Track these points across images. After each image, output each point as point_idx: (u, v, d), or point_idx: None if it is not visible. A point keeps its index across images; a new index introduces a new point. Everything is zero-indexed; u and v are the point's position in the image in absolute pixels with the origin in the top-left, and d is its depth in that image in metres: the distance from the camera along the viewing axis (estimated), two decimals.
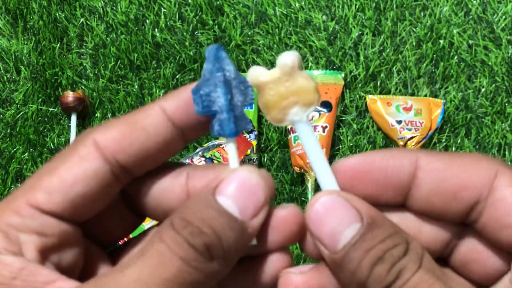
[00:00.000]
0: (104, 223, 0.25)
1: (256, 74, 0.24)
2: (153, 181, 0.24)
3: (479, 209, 0.22)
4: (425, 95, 0.85)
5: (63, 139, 0.82)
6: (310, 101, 0.24)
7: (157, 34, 0.87)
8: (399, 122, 0.82)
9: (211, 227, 0.21)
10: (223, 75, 0.24)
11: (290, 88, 0.24)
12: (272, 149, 0.82)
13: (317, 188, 0.80)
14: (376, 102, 0.83)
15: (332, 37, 0.87)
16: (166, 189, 0.24)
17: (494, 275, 0.23)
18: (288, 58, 0.23)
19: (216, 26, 0.87)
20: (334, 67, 0.86)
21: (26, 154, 0.81)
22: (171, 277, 0.20)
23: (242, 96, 0.24)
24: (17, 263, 0.21)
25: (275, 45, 0.86)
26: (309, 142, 0.24)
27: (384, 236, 0.21)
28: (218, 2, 0.89)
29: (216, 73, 0.24)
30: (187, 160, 0.78)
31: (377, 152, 0.24)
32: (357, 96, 0.85)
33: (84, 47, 0.87)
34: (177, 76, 0.85)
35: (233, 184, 0.22)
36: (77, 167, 0.22)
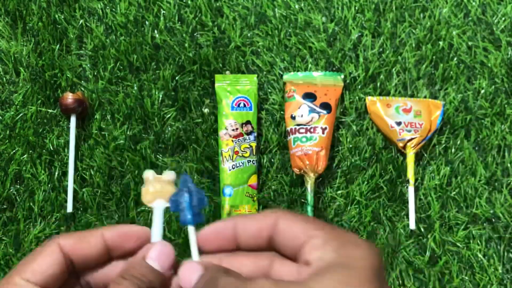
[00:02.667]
0: None
1: (148, 174, 0.48)
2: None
3: (272, 240, 0.40)
4: (425, 97, 0.85)
5: (62, 140, 0.82)
6: (166, 199, 0.46)
7: (157, 35, 0.87)
8: (399, 123, 0.82)
9: (148, 279, 0.39)
10: (186, 189, 0.45)
11: (162, 188, 0.47)
12: (271, 151, 0.81)
13: (316, 189, 0.80)
14: (375, 104, 0.83)
15: (331, 39, 0.87)
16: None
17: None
18: (167, 175, 0.47)
19: (216, 28, 0.87)
20: (334, 69, 0.86)
21: (25, 155, 0.81)
22: None
23: (197, 200, 0.45)
24: None
25: (274, 47, 0.86)
26: (158, 222, 0.45)
27: (213, 274, 0.38)
28: (218, 4, 0.88)
29: (183, 189, 0.45)
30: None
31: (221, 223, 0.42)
32: (357, 97, 0.85)
33: (83, 48, 0.87)
34: (177, 78, 0.85)
35: (156, 252, 0.40)
36: (48, 257, 0.39)
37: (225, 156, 0.77)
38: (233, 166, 0.77)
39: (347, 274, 0.36)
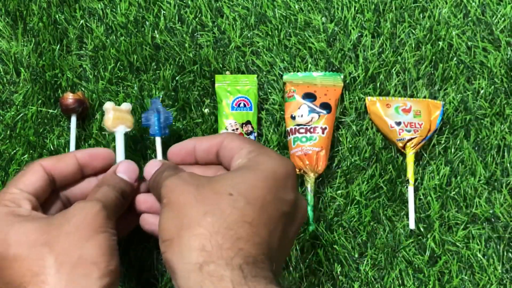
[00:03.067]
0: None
1: (107, 105, 0.71)
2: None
3: (219, 155, 0.53)
4: (424, 97, 0.85)
5: (63, 140, 0.82)
6: (129, 125, 0.68)
7: (157, 36, 0.87)
8: (398, 123, 0.82)
9: (119, 186, 0.54)
10: (155, 108, 0.68)
11: (121, 116, 0.69)
12: None
13: (316, 189, 0.81)
14: (375, 104, 0.83)
15: (331, 39, 0.87)
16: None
17: None
18: (125, 105, 0.73)
19: (216, 28, 0.87)
20: (334, 69, 0.86)
21: (26, 155, 0.81)
22: (114, 205, 0.53)
23: (164, 118, 0.68)
24: (24, 211, 0.51)
25: (274, 47, 0.87)
26: (121, 145, 0.64)
27: (164, 168, 0.54)
28: (218, 4, 0.89)
29: (153, 108, 0.68)
30: None
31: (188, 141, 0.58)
32: (357, 97, 0.85)
33: (84, 49, 0.87)
34: (177, 78, 0.85)
35: (123, 167, 0.55)
36: (35, 174, 0.53)
37: None
38: None
39: (248, 174, 0.45)
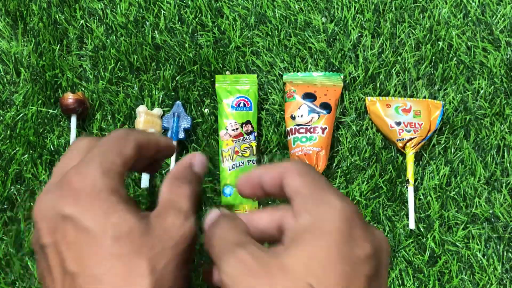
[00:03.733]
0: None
1: (140, 108, 0.77)
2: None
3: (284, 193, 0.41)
4: (424, 97, 0.85)
5: (63, 140, 0.82)
6: (158, 129, 0.74)
7: (157, 36, 0.87)
8: (398, 123, 0.82)
9: (192, 178, 0.44)
10: (175, 112, 0.77)
11: (152, 120, 0.76)
12: (271, 151, 0.82)
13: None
14: (375, 104, 0.83)
15: (331, 39, 0.87)
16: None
17: None
18: (156, 111, 0.80)
19: (216, 28, 0.87)
20: (334, 69, 0.86)
21: (26, 156, 0.81)
22: (192, 195, 0.42)
23: (182, 122, 0.76)
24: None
25: (274, 47, 0.87)
26: None
27: (226, 218, 0.41)
28: (218, 4, 0.89)
29: (174, 112, 0.76)
30: None
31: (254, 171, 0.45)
32: (356, 97, 0.85)
33: (84, 49, 0.87)
34: (177, 78, 0.85)
35: (198, 160, 0.45)
36: (132, 150, 0.40)
37: (225, 156, 0.77)
38: (233, 166, 0.77)
39: (318, 246, 0.36)
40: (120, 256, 0.34)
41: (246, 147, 0.79)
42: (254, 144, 0.79)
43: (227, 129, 0.79)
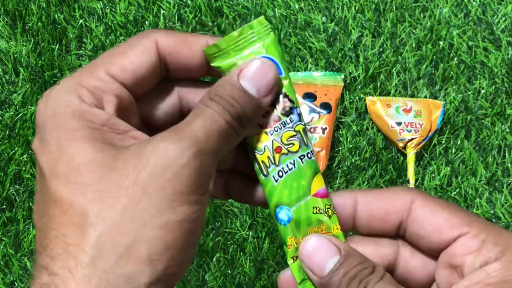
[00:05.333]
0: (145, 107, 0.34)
1: None
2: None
3: (404, 227, 0.31)
4: (425, 97, 0.85)
5: None
6: None
7: None
8: (399, 123, 0.82)
9: (239, 103, 0.30)
10: None
11: None
12: None
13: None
14: (375, 104, 0.83)
15: (331, 39, 0.87)
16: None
17: (428, 280, 0.32)
18: None
19: (216, 28, 0.87)
20: (334, 69, 0.86)
21: (25, 156, 0.81)
22: (221, 132, 0.29)
23: None
24: (104, 115, 0.29)
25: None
26: None
27: (356, 263, 0.30)
28: (218, 4, 0.88)
29: None
30: None
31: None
32: (357, 97, 0.85)
33: (83, 48, 0.87)
34: None
35: (252, 70, 0.31)
36: (142, 55, 0.30)
37: (262, 162, 0.40)
38: (280, 173, 0.41)
39: None
40: (65, 201, 0.27)
41: (292, 137, 0.41)
42: (301, 127, 0.41)
43: None
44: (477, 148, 0.83)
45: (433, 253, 0.31)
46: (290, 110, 0.38)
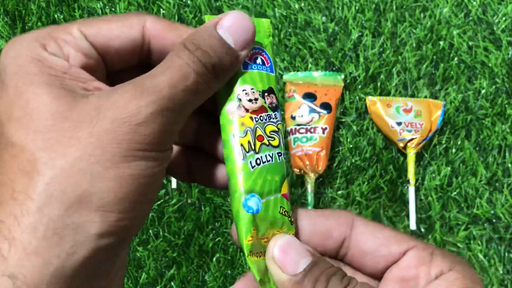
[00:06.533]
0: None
1: None
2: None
3: (347, 244, 0.31)
4: (425, 97, 0.85)
5: None
6: None
7: None
8: (399, 123, 0.81)
9: (215, 52, 0.29)
10: None
11: None
12: None
13: (317, 190, 0.80)
14: (376, 104, 0.83)
15: (331, 39, 0.87)
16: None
17: None
18: None
19: None
20: (334, 69, 0.86)
21: None
22: (189, 86, 0.28)
23: None
24: (65, 64, 0.28)
25: (274, 47, 0.86)
26: None
27: (328, 266, 0.30)
28: (218, 4, 0.88)
29: None
30: None
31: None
32: (357, 97, 0.84)
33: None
34: None
35: (230, 21, 0.30)
36: (124, 27, 0.29)
37: (242, 145, 0.38)
38: (258, 161, 0.39)
39: None
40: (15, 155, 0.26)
41: (274, 132, 0.40)
42: (280, 126, 0.41)
43: (241, 100, 0.40)
44: (477, 148, 0.83)
45: (378, 271, 0.31)
46: (276, 108, 0.38)
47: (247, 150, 0.37)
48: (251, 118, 0.37)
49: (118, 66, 0.31)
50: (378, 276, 0.31)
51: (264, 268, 0.33)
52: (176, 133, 0.28)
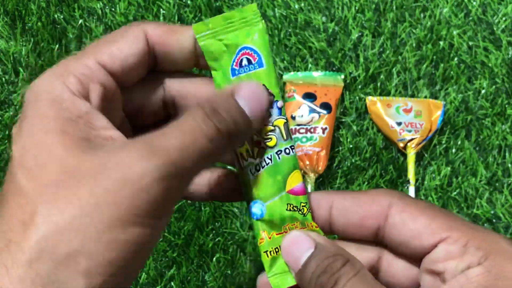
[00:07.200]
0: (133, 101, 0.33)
1: None
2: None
3: (382, 232, 0.31)
4: (425, 97, 0.85)
5: None
6: None
7: None
8: (399, 123, 0.81)
9: (232, 118, 0.28)
10: None
11: None
12: None
13: (317, 189, 0.80)
14: (376, 104, 0.83)
15: (331, 39, 0.87)
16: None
17: (412, 285, 0.32)
18: None
19: None
20: (334, 69, 0.86)
21: None
22: (199, 151, 0.27)
23: None
24: (83, 107, 0.28)
25: (274, 46, 0.86)
26: None
27: (328, 255, 0.29)
28: (218, 4, 0.88)
29: None
30: None
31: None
32: (357, 97, 0.84)
33: (83, 48, 0.87)
34: None
35: (247, 90, 0.30)
36: (132, 43, 0.30)
37: (241, 154, 0.38)
38: (257, 167, 0.39)
39: None
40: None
41: (270, 131, 0.40)
42: (281, 121, 0.39)
43: None
44: (477, 148, 0.83)
45: (415, 258, 0.31)
46: (270, 104, 0.37)
47: (246, 158, 0.38)
48: None
49: (131, 82, 0.31)
50: (418, 261, 0.31)
51: (283, 262, 0.34)
52: (178, 198, 0.28)
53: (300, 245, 0.31)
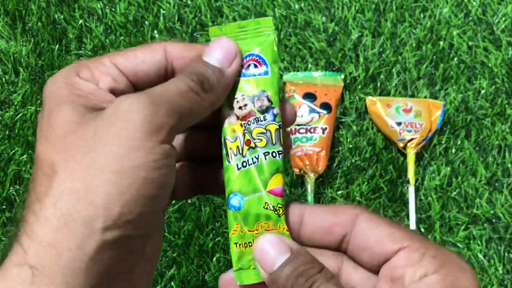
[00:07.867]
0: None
1: None
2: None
3: (347, 240, 0.33)
4: (425, 97, 0.85)
5: None
6: None
7: (156, 35, 0.86)
8: (399, 123, 0.82)
9: (201, 72, 0.34)
10: None
11: None
12: None
13: (317, 190, 0.80)
14: (375, 104, 0.83)
15: (331, 39, 0.87)
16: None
17: None
18: None
19: None
20: (334, 69, 0.86)
21: (25, 156, 0.81)
22: (180, 92, 0.32)
23: None
24: (94, 87, 0.32)
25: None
26: None
27: (305, 262, 0.32)
28: (218, 4, 0.88)
29: None
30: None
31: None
32: (357, 97, 0.85)
33: (83, 48, 0.87)
34: None
35: (212, 48, 0.35)
36: (148, 53, 0.34)
37: (231, 149, 0.43)
38: (244, 164, 0.44)
39: None
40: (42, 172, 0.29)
41: (261, 133, 0.44)
42: (273, 127, 0.44)
43: (233, 108, 0.44)
44: (477, 148, 0.83)
45: (374, 267, 0.33)
46: (267, 109, 0.42)
47: (235, 154, 0.42)
48: (241, 125, 0.42)
49: (144, 87, 0.34)
50: (377, 271, 0.33)
51: (250, 258, 0.36)
52: (169, 126, 0.31)
53: (276, 248, 0.33)
